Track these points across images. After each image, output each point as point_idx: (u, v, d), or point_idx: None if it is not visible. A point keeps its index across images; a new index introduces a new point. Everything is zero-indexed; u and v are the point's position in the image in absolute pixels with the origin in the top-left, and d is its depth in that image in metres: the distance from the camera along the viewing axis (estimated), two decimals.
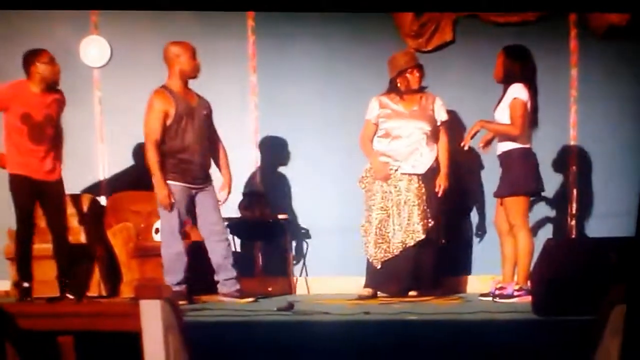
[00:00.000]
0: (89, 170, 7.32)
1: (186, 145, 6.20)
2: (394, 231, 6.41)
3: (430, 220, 6.46)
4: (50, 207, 6.35)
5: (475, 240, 7.24)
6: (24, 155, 6.20)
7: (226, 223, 7.05)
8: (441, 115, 6.58)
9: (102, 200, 7.26)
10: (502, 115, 6.10)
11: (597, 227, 7.08)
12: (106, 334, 3.50)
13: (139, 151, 6.70)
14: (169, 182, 6.17)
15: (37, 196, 6.28)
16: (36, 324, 3.39)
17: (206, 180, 6.34)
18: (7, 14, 7.03)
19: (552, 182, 7.16)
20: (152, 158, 6.13)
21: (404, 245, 6.40)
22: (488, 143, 6.30)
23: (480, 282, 6.95)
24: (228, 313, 5.42)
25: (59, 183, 6.37)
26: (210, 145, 6.37)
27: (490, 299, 6.12)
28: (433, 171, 6.54)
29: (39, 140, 6.23)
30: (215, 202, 6.35)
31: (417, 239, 6.40)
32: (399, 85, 6.50)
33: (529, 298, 5.68)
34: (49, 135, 6.28)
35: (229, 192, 6.43)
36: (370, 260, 6.47)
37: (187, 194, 6.24)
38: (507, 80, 6.12)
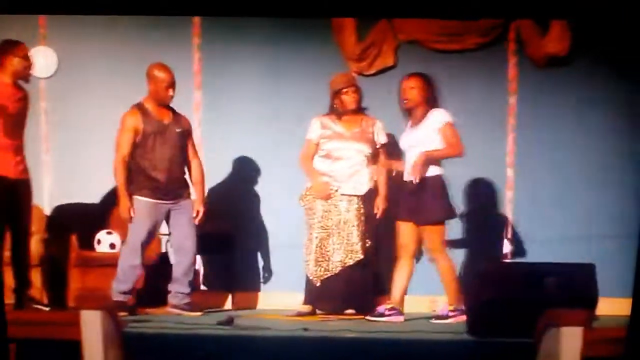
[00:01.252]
0: (34, 181, 7.26)
1: (154, 163, 6.32)
2: (334, 250, 6.50)
3: (368, 240, 6.57)
4: (19, 208, 6.04)
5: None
6: None
7: None
8: (380, 138, 6.68)
9: (46, 210, 7.22)
10: (424, 140, 6.14)
11: (532, 252, 7.22)
12: (48, 342, 3.51)
13: (84, 162, 6.71)
14: (139, 197, 6.29)
15: (10, 196, 5.95)
16: None
17: (180, 196, 6.42)
18: None
19: (488, 206, 7.32)
20: (118, 173, 6.29)
21: (343, 265, 6.49)
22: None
23: (417, 302, 7.04)
24: (169, 326, 5.42)
25: (28, 182, 6.12)
26: (186, 161, 6.48)
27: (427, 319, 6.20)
28: (372, 192, 6.63)
29: (14, 135, 5.98)
30: (189, 218, 6.44)
31: (356, 259, 6.50)
32: (336, 105, 6.60)
33: (400, 318, 6.02)
34: (21, 131, 6.05)
35: (204, 210, 6.50)
36: (310, 278, 6.54)
37: (159, 209, 6.34)
38: (422, 105, 6.19)
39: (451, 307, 6.11)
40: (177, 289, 6.44)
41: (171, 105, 6.49)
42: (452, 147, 6.17)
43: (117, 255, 6.83)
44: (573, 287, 5.11)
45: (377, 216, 6.63)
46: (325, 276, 6.50)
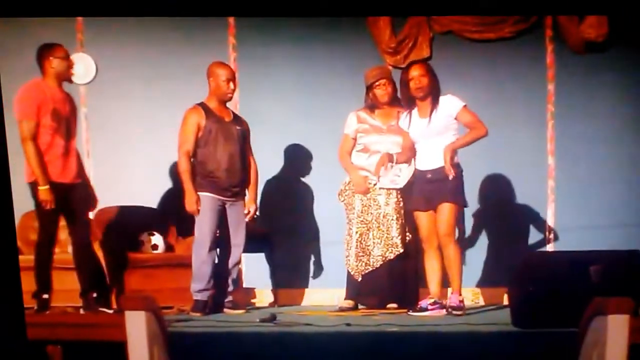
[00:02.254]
0: None
1: (216, 159, 6.35)
2: (374, 244, 6.49)
3: (408, 234, 6.54)
4: (75, 213, 6.12)
5: None
6: (55, 156, 5.95)
7: None
8: None
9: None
10: (442, 129, 6.06)
11: (575, 240, 7.16)
12: (93, 344, 3.55)
13: (125, 166, 6.76)
14: (202, 193, 6.33)
15: (63, 202, 6.00)
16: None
17: (237, 194, 6.45)
18: None
19: (529, 196, 7.28)
20: (183, 167, 6.35)
21: (384, 259, 6.47)
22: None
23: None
24: (212, 324, 5.48)
25: (84, 186, 6.18)
26: (246, 160, 6.51)
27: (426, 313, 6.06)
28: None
29: (68, 136, 6.03)
30: (242, 216, 6.48)
31: (397, 253, 6.48)
32: (369, 99, 6.58)
33: (443, 312, 5.92)
34: (73, 132, 6.10)
35: (255, 209, 6.55)
36: (352, 273, 6.54)
37: (217, 204, 6.36)
38: (431, 93, 6.10)
39: (431, 300, 6.05)
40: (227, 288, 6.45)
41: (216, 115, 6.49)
42: (477, 130, 6.08)
43: (159, 257, 6.90)
44: (618, 274, 5.06)
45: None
46: (367, 271, 6.50)
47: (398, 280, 6.54)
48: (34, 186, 5.94)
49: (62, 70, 6.03)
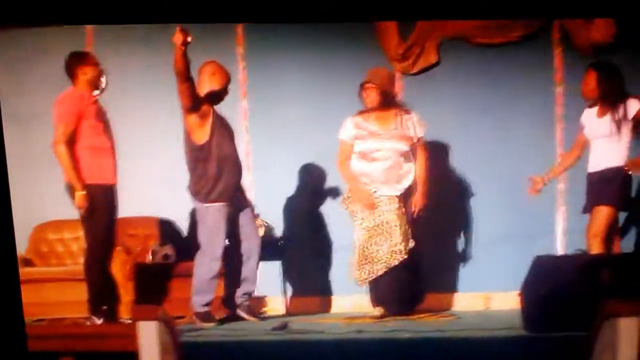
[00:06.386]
0: None
1: (224, 160, 6.24)
2: (377, 252, 6.36)
3: (411, 240, 6.40)
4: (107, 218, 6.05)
5: (462, 256, 7.27)
6: (101, 157, 5.96)
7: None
8: (418, 131, 6.50)
9: None
10: (614, 128, 6.05)
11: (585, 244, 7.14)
12: (106, 354, 3.57)
13: (133, 174, 6.76)
14: (213, 204, 6.19)
15: (109, 205, 5.96)
16: (38, 345, 3.45)
17: (244, 197, 6.43)
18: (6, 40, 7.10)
19: (539, 199, 7.25)
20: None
21: (387, 266, 6.33)
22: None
23: (470, 299, 7.03)
24: (224, 333, 5.48)
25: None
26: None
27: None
28: (413, 190, 6.50)
29: (111, 136, 6.04)
30: (253, 220, 6.47)
31: (400, 259, 6.33)
32: (361, 99, 6.52)
33: None
34: (112, 134, 6.10)
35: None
36: (355, 281, 6.44)
37: (230, 212, 6.27)
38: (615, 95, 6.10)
39: None
40: (247, 290, 6.41)
41: (218, 112, 6.44)
42: None
43: (170, 266, 6.91)
44: (629, 277, 5.06)
45: (414, 215, 6.47)
46: (370, 279, 6.39)
47: (402, 287, 6.42)
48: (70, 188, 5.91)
49: (93, 77, 6.06)
